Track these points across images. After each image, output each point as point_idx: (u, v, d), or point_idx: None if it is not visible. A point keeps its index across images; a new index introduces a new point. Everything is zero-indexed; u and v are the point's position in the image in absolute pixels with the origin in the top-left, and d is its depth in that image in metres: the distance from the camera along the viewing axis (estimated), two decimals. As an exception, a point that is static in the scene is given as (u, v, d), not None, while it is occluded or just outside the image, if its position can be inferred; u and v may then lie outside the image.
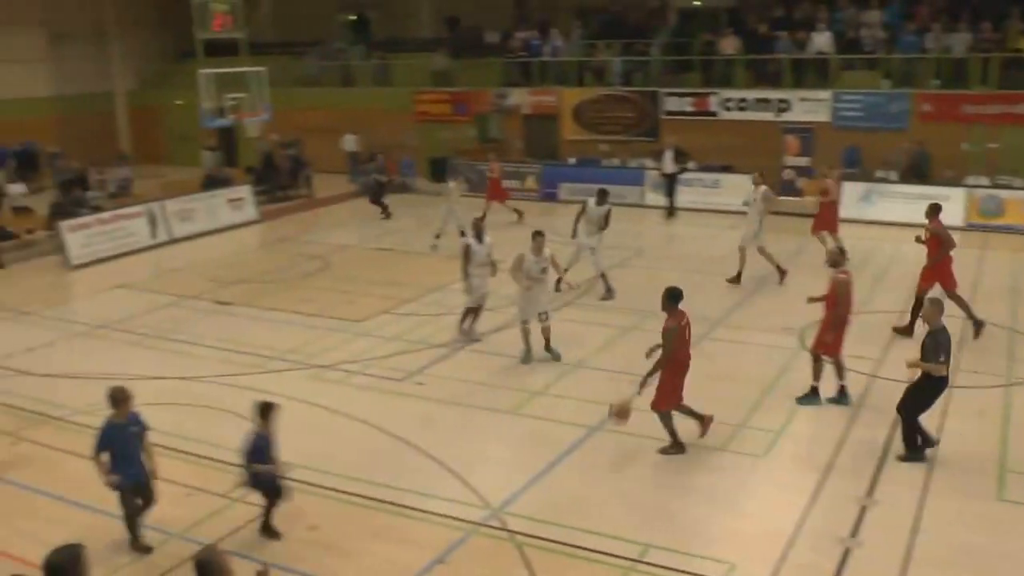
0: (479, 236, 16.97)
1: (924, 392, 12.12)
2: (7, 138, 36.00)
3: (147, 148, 42.70)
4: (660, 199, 28.74)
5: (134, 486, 10.43)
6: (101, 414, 14.11)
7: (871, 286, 19.92)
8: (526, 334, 16.22)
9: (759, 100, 30.34)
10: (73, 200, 27.76)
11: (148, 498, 10.62)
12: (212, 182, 30.95)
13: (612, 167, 31.32)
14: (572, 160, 32.48)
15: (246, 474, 10.51)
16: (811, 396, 14.13)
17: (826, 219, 22.33)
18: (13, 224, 26.57)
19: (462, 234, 24.13)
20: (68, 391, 15.48)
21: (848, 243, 24.27)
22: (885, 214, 26.00)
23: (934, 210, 17.17)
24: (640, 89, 32.65)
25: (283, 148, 34.08)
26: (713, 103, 30.98)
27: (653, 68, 33.05)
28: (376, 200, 29.52)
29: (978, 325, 16.68)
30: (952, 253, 16.92)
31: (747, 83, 31.27)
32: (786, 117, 29.94)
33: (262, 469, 10.33)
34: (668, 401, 12.58)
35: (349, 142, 35.57)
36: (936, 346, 11.79)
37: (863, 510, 11.01)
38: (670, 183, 28.25)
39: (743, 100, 30.61)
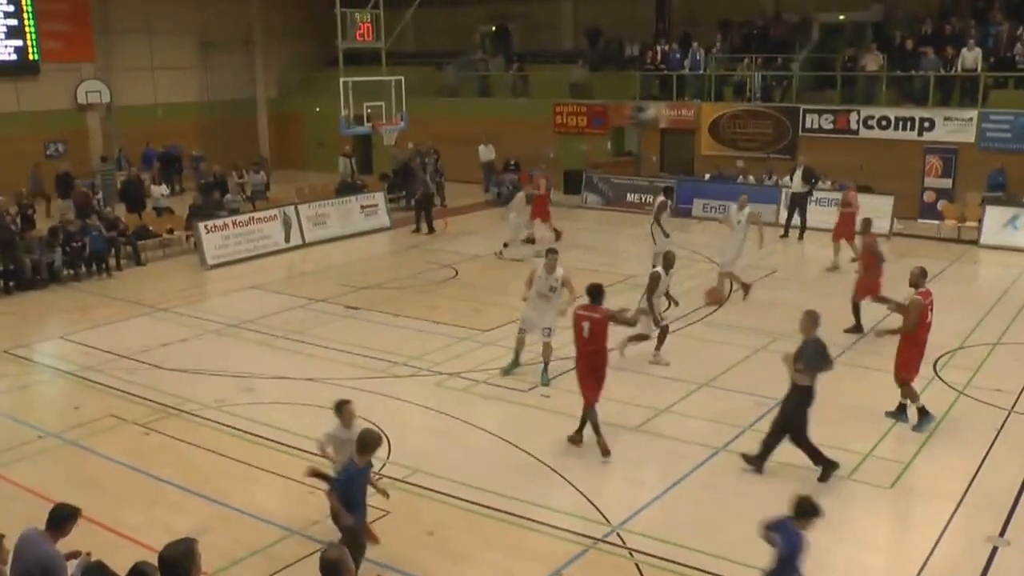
0: (667, 267, 16.54)
1: (793, 405, 12.15)
2: (155, 141, 37.50)
3: (286, 154, 43.89)
4: (794, 219, 28.04)
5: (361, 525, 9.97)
6: (228, 410, 14.68)
7: (1013, 316, 19.26)
8: (520, 344, 16.29)
9: (901, 119, 29.65)
10: (212, 202, 28.59)
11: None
12: (346, 188, 31.55)
13: (748, 184, 30.91)
14: (707, 176, 32.17)
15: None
16: (923, 419, 13.84)
17: (843, 229, 23.14)
18: (155, 224, 27.50)
19: (529, 241, 25.10)
20: (198, 386, 15.94)
21: (990, 271, 23.81)
22: (1031, 241, 25.11)
23: (868, 225, 19.00)
24: (779, 105, 32.28)
25: (419, 157, 34.44)
26: (853, 121, 30.40)
27: (793, 84, 32.59)
28: (425, 211, 29.46)
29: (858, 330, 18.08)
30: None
31: (890, 101, 30.59)
32: (929, 137, 29.19)
33: None
34: (583, 394, 13.26)
35: (484, 152, 35.81)
36: (800, 354, 12.03)
37: (995, 550, 10.54)
38: (800, 202, 27.60)
39: (884, 118, 29.94)
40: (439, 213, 32.14)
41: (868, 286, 17.84)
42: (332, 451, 10.40)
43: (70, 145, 36.11)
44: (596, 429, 13.09)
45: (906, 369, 13.86)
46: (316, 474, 10.27)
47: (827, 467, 12.22)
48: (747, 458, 12.50)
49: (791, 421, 12.18)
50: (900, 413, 14.03)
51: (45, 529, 8.35)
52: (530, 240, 25.94)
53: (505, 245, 25.34)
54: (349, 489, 9.53)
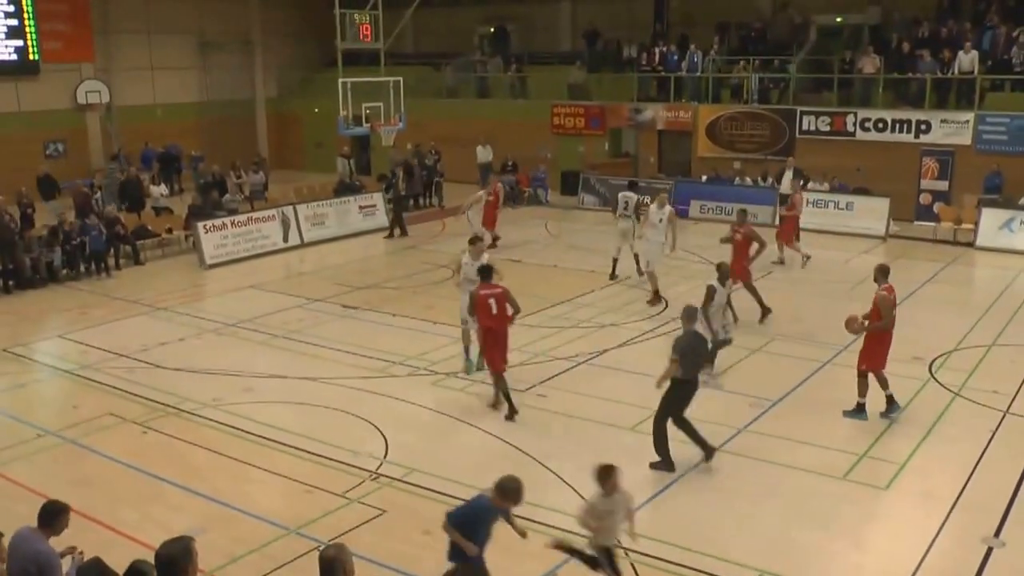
0: (723, 279, 15.88)
1: (668, 396, 12.55)
2: (154, 140, 37.44)
3: (285, 154, 43.85)
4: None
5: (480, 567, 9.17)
6: (226, 409, 14.69)
7: (1008, 318, 19.28)
8: (466, 337, 16.49)
9: (898, 121, 29.66)
10: (211, 202, 28.57)
11: None
12: (344, 189, 31.54)
13: (745, 186, 30.95)
14: (704, 177, 32.19)
15: None
16: (857, 411, 14.22)
17: (787, 230, 23.62)
18: (153, 224, 27.49)
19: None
20: (196, 385, 15.95)
21: (986, 273, 23.82)
22: (1027, 243, 25.17)
23: (744, 214, 20.37)
24: (777, 107, 32.29)
25: (416, 158, 34.43)
26: (850, 123, 30.40)
27: (790, 86, 32.60)
28: (397, 216, 29.45)
29: (764, 312, 19.01)
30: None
31: (886, 103, 30.60)
32: (925, 139, 29.19)
33: None
34: (489, 364, 14.65)
35: (482, 153, 35.77)
36: (675, 346, 12.43)
37: (989, 551, 10.53)
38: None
39: (881, 120, 29.95)
40: (437, 214, 32.20)
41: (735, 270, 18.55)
42: (593, 522, 9.46)
43: (70, 145, 36.19)
44: (507, 395, 14.44)
45: (866, 361, 14.17)
46: (565, 548, 9.84)
47: (707, 450, 12.70)
48: (654, 465, 12.68)
49: (669, 410, 12.62)
50: (891, 406, 14.13)
51: (37, 527, 8.38)
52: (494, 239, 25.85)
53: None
54: (472, 523, 8.96)
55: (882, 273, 14.28)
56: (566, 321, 19.31)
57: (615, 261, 22.55)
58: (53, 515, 8.43)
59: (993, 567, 10.20)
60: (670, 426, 12.61)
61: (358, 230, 29.31)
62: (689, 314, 12.85)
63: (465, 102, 40.00)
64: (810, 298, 20.78)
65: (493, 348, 14.51)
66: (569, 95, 37.19)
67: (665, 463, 12.62)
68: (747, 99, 33.12)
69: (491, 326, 14.40)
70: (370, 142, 36.50)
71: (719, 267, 16.28)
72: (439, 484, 12.11)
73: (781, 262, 23.64)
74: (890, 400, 14.17)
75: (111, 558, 8.91)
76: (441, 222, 30.68)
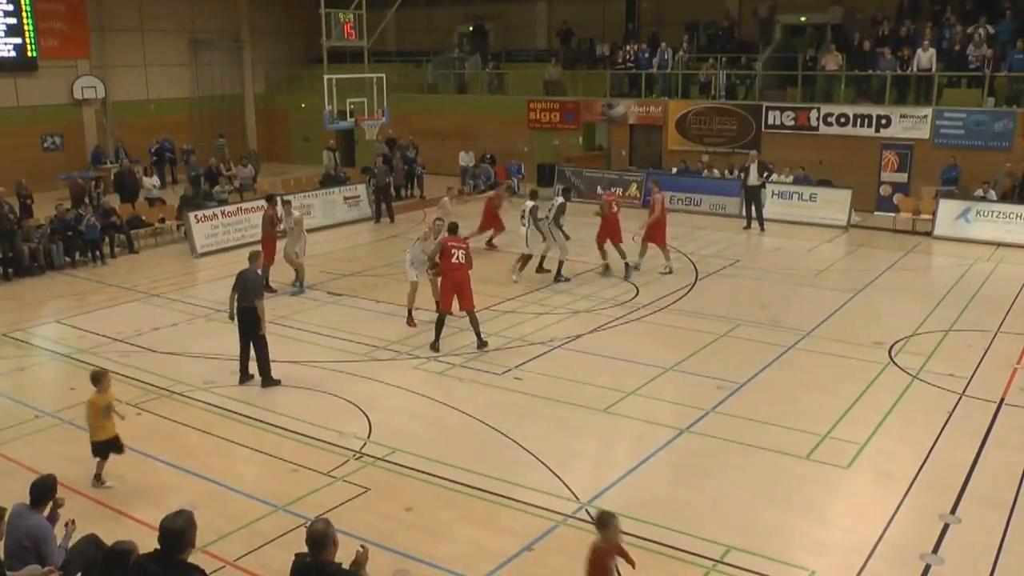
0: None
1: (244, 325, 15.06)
2: (148, 135, 37.13)
3: (272, 147, 43.63)
4: (750, 210, 27.93)
5: None
6: (216, 391, 14.62)
7: (964, 305, 19.30)
8: (291, 263, 20.93)
9: (859, 116, 29.70)
10: (202, 194, 28.39)
11: None
12: (330, 180, 31.37)
13: (713, 178, 30.94)
14: (674, 170, 32.18)
15: None
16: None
17: (656, 232, 21.88)
18: (147, 214, 27.30)
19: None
20: (188, 369, 15.83)
21: (943, 261, 23.88)
22: (982, 233, 25.18)
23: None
24: (743, 102, 32.29)
25: (395, 150, 34.29)
26: (814, 118, 30.43)
27: (756, 82, 32.61)
28: (386, 201, 29.43)
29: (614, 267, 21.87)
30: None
31: (848, 99, 30.62)
32: (886, 133, 29.27)
33: None
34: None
35: (464, 158, 35.59)
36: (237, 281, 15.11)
37: (946, 527, 10.52)
38: (755, 195, 27.42)
39: (843, 115, 29.99)
40: (417, 205, 32.06)
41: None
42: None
43: (66, 138, 35.97)
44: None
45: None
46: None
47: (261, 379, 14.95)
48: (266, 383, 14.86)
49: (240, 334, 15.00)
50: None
51: (30, 505, 8.36)
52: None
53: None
54: None
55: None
56: (541, 307, 19.26)
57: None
58: (45, 491, 8.48)
59: (949, 542, 10.18)
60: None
61: (343, 220, 29.16)
62: (253, 257, 15.31)
63: (445, 98, 39.90)
64: (775, 286, 20.78)
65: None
66: (545, 91, 37.12)
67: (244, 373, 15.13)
68: (715, 95, 33.08)
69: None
70: (354, 136, 36.37)
71: (564, 191, 22.50)
72: (420, 463, 12.05)
73: (670, 271, 21.86)
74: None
75: (106, 534, 8.81)
76: (423, 212, 30.53)
